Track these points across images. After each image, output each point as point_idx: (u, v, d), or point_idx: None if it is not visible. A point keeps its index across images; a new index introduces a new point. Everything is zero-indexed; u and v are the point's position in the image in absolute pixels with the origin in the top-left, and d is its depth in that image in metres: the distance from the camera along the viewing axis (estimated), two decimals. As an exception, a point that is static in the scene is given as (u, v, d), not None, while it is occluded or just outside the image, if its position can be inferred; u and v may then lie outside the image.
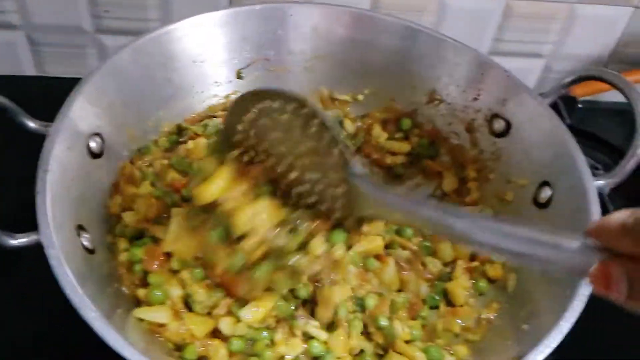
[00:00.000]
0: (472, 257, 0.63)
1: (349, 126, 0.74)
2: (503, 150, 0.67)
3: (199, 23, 0.66)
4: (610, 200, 0.78)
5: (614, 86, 0.60)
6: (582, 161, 0.58)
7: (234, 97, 0.72)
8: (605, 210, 0.74)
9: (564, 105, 0.91)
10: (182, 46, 0.66)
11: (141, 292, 0.54)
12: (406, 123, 0.73)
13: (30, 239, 0.47)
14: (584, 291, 0.48)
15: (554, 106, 0.90)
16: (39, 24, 0.86)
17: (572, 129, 0.88)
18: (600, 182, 0.58)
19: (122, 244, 0.57)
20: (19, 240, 0.47)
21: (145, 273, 0.55)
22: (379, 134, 0.73)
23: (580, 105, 0.99)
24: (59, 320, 0.54)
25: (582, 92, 1.00)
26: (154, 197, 0.59)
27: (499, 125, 0.67)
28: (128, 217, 0.58)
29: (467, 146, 0.70)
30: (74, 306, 0.43)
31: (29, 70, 0.90)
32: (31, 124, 0.53)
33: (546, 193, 0.60)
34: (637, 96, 0.58)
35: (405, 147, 0.72)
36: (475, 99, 0.69)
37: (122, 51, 0.60)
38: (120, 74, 0.61)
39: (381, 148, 0.72)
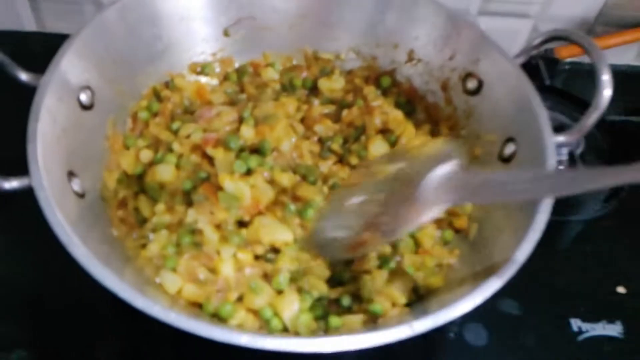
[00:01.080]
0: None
1: (339, 81, 0.76)
2: (474, 108, 0.70)
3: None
4: (581, 159, 0.82)
5: (580, 46, 0.62)
6: (544, 118, 0.61)
7: (220, 54, 0.75)
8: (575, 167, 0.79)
9: (545, 66, 0.93)
10: (169, 4, 0.69)
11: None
12: (386, 81, 0.76)
13: (22, 182, 0.51)
14: (533, 237, 0.52)
15: (536, 67, 0.94)
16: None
17: (552, 89, 0.92)
18: (561, 138, 0.61)
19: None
20: (11, 184, 0.51)
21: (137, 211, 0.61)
22: (373, 92, 0.74)
23: (567, 67, 1.02)
24: (51, 262, 0.58)
25: (567, 54, 1.02)
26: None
27: (472, 84, 0.70)
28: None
29: (441, 104, 0.73)
30: (62, 243, 0.48)
31: (29, 25, 0.93)
32: (23, 76, 0.57)
33: (510, 148, 0.64)
34: (599, 56, 0.60)
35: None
36: (451, 58, 0.72)
37: (109, 9, 0.63)
38: (109, 30, 0.64)
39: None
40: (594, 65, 0.61)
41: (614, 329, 0.71)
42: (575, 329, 0.70)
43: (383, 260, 0.59)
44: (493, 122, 0.67)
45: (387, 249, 0.60)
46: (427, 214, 0.49)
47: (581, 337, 0.70)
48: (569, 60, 1.02)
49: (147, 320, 0.45)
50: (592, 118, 0.60)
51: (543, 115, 0.61)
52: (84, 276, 0.47)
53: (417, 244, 0.63)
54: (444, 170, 0.49)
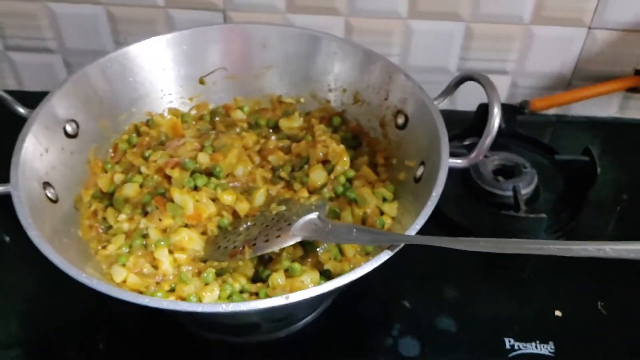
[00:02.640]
0: (363, 224, 0.76)
1: (297, 121, 0.89)
2: (402, 140, 0.79)
3: (165, 41, 0.85)
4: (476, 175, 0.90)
5: (480, 83, 0.72)
6: (445, 144, 0.69)
7: (196, 99, 0.90)
8: (517, 201, 0.85)
9: (505, 112, 1.01)
10: (150, 58, 0.84)
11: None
12: (336, 120, 0.87)
13: (5, 188, 0.65)
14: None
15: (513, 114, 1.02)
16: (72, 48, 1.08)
17: (518, 135, 0.99)
18: (458, 161, 0.70)
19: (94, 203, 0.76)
20: (-6, 189, 0.66)
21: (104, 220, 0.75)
22: (323, 129, 0.86)
23: (539, 118, 1.09)
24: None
25: (541, 106, 1.09)
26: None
27: (401, 119, 0.80)
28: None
29: (380, 138, 0.84)
30: (24, 228, 0.61)
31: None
32: (20, 110, 0.73)
33: (421, 170, 0.73)
34: (493, 92, 0.69)
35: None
36: (386, 98, 0.82)
37: (96, 61, 0.79)
38: (96, 77, 0.80)
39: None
40: (488, 99, 0.70)
41: (546, 348, 0.76)
42: (508, 347, 0.75)
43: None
44: (413, 150, 0.76)
45: (299, 253, 0.70)
46: (288, 242, 0.67)
47: (513, 354, 0.75)
48: (542, 112, 1.09)
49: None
50: (485, 143, 0.69)
51: (445, 142, 0.70)
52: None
53: (342, 253, 0.72)
54: (309, 217, 0.69)
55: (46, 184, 0.70)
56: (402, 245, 0.60)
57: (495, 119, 0.68)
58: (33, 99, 0.74)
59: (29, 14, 1.03)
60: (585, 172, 0.91)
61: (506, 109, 1.01)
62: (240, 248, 0.68)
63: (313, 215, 0.69)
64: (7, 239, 0.86)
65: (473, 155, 0.69)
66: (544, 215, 0.82)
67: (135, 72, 0.84)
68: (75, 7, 1.03)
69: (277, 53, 0.88)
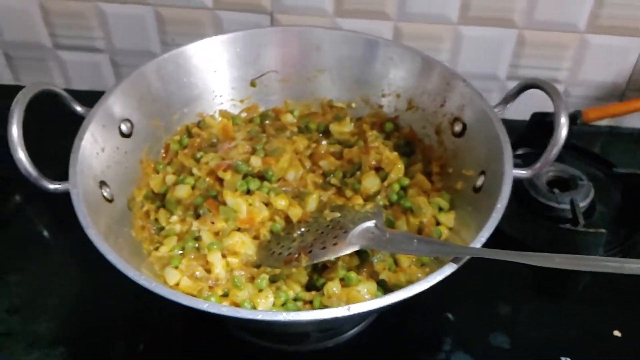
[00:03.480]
0: (419, 233, 0.74)
1: (348, 126, 0.87)
2: (459, 148, 0.78)
3: (219, 42, 0.84)
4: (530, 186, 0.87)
5: (544, 91, 0.70)
6: (508, 153, 0.67)
7: (247, 101, 0.89)
8: (575, 215, 0.83)
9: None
10: (203, 59, 0.84)
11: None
12: (389, 126, 0.86)
13: (63, 185, 0.65)
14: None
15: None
16: (120, 48, 1.08)
17: (573, 146, 0.96)
18: (522, 171, 0.68)
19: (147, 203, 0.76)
20: (55, 186, 0.65)
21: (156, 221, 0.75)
22: (375, 135, 0.84)
23: (591, 129, 1.06)
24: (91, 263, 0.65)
25: (594, 117, 1.06)
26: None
27: (458, 127, 0.78)
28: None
29: (435, 146, 0.82)
30: (82, 225, 0.60)
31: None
32: (78, 108, 0.73)
33: (481, 180, 0.71)
34: (559, 99, 0.67)
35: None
36: (442, 105, 0.81)
37: (152, 61, 0.79)
38: (151, 77, 0.79)
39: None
40: (555, 108, 0.67)
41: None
42: (566, 367, 0.73)
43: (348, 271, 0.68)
44: (472, 159, 0.75)
45: (354, 262, 0.68)
46: (346, 250, 0.65)
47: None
48: (594, 123, 1.06)
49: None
50: (551, 154, 0.67)
51: (508, 151, 0.68)
52: (120, 276, 0.56)
53: (396, 263, 0.70)
54: (366, 225, 0.67)
55: (102, 183, 0.69)
56: (467, 258, 0.58)
57: (563, 129, 0.66)
58: (80, 98, 0.74)
59: (79, 13, 1.04)
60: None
61: (573, 120, 0.99)
62: (296, 255, 0.66)
63: (370, 223, 0.67)
64: (47, 234, 0.86)
65: (538, 165, 0.67)
66: (603, 230, 0.80)
67: (189, 73, 0.83)
68: (124, 8, 1.03)
69: (331, 57, 0.87)
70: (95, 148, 0.70)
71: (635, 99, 1.05)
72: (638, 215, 0.88)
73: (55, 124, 0.75)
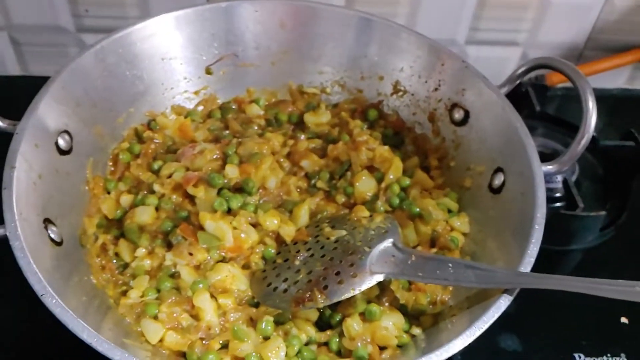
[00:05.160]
0: (432, 244, 0.65)
1: (325, 115, 0.75)
2: (462, 139, 0.69)
3: (164, 22, 0.69)
4: (575, 186, 0.80)
5: (563, 73, 0.61)
6: (531, 147, 0.59)
7: (203, 92, 0.74)
8: (570, 195, 0.77)
9: (535, 92, 0.92)
10: (148, 45, 0.69)
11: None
12: (372, 114, 0.75)
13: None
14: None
15: (526, 93, 0.93)
16: (20, 24, 0.88)
17: (543, 115, 0.91)
18: (549, 167, 0.60)
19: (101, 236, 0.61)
20: (-13, 236, 0.49)
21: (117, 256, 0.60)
22: (359, 125, 0.73)
23: (558, 93, 1.01)
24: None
25: (557, 80, 1.01)
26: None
27: (458, 114, 0.69)
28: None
29: (430, 135, 0.72)
30: (37, 293, 0.46)
31: (13, 69, 0.93)
32: (0, 123, 0.56)
33: (500, 179, 0.62)
34: (583, 83, 0.59)
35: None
36: (436, 89, 0.71)
37: (86, 52, 0.63)
38: (87, 73, 0.64)
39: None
40: (579, 92, 0.60)
41: (618, 363, 0.69)
42: (579, 364, 0.68)
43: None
44: (481, 152, 0.66)
45: (374, 292, 0.58)
46: (368, 283, 0.54)
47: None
48: (560, 86, 1.01)
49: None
50: (581, 145, 0.59)
51: (531, 145, 0.60)
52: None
53: (409, 281, 0.61)
54: (383, 246, 0.56)
55: (47, 221, 0.54)
56: (519, 288, 0.49)
57: (592, 117, 0.58)
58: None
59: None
60: (629, 159, 0.84)
61: (536, 88, 0.93)
62: (308, 294, 0.55)
63: (388, 243, 0.57)
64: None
65: (566, 158, 0.60)
66: (603, 212, 0.75)
67: (132, 64, 0.68)
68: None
69: (297, 34, 0.74)
70: (31, 176, 0.54)
71: (597, 60, 1.02)
72: (623, 188, 0.84)
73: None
